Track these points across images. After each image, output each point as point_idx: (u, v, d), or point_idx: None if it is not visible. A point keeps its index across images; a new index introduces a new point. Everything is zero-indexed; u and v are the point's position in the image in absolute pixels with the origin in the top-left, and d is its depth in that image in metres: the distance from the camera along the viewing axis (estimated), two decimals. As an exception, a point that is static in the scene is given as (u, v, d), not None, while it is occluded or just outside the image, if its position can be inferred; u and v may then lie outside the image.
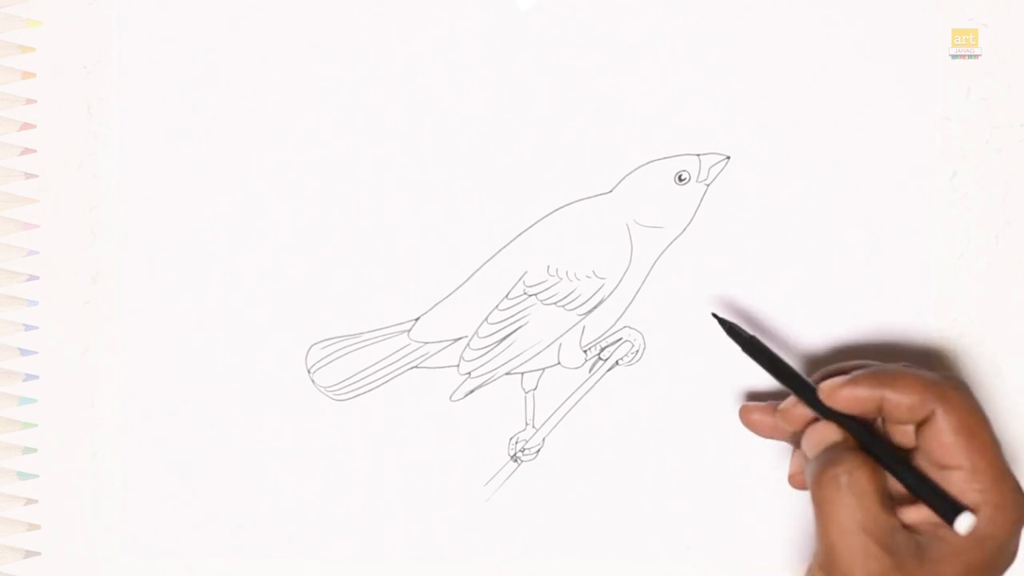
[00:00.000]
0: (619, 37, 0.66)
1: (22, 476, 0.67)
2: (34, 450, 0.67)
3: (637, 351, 0.66)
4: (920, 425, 0.59)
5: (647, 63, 0.66)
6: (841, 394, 0.59)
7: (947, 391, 0.58)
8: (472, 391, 0.67)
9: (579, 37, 0.66)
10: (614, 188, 0.66)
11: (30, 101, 0.67)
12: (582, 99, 0.66)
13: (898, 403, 0.58)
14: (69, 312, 0.67)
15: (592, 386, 0.67)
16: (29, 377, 0.67)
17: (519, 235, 0.66)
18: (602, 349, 0.67)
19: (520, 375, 0.67)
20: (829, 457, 0.58)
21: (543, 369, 0.67)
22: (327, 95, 0.66)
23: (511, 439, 0.67)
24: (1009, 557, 0.59)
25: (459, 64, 0.66)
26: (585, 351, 0.67)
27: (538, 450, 0.67)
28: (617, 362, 0.67)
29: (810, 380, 0.61)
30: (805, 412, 0.61)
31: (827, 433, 0.60)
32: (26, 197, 0.67)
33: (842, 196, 0.66)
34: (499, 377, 0.67)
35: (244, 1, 0.66)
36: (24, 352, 0.67)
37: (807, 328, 0.66)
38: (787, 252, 0.66)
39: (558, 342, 0.66)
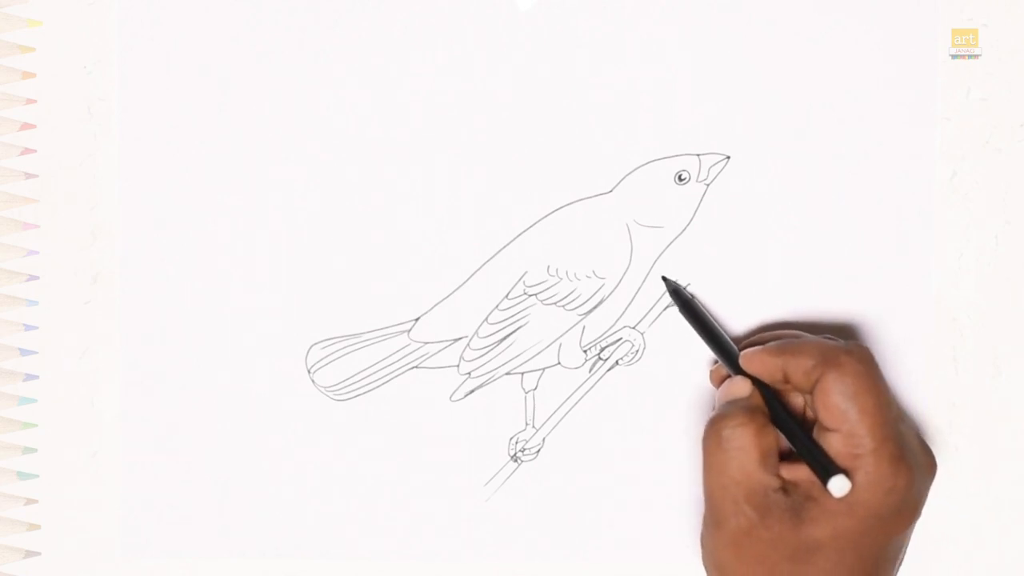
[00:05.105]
0: (619, 37, 0.66)
1: (22, 476, 0.67)
2: (34, 450, 0.67)
3: (637, 351, 0.66)
4: (814, 389, 0.59)
5: (647, 63, 0.66)
6: (754, 360, 0.61)
7: (839, 355, 0.59)
8: (472, 391, 0.67)
9: (579, 37, 0.66)
10: (614, 188, 0.66)
11: (30, 101, 0.67)
12: (582, 99, 0.66)
13: (796, 368, 0.59)
14: (69, 312, 0.67)
15: (592, 386, 0.67)
16: (29, 377, 0.67)
17: (519, 235, 0.66)
18: (602, 349, 0.67)
19: (520, 375, 0.67)
20: (722, 411, 0.60)
21: (543, 369, 0.67)
22: (327, 95, 0.66)
23: (511, 439, 0.67)
24: (884, 532, 0.58)
25: (459, 64, 0.66)
26: (585, 351, 0.67)
27: (538, 450, 0.67)
28: (617, 362, 0.67)
29: (735, 347, 0.63)
30: (727, 374, 0.63)
31: (735, 388, 0.61)
32: (26, 197, 0.67)
33: (842, 196, 0.66)
34: (499, 377, 0.67)
35: (244, 1, 0.66)
36: (24, 352, 0.67)
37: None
38: (787, 252, 0.66)
39: (558, 342, 0.66)
